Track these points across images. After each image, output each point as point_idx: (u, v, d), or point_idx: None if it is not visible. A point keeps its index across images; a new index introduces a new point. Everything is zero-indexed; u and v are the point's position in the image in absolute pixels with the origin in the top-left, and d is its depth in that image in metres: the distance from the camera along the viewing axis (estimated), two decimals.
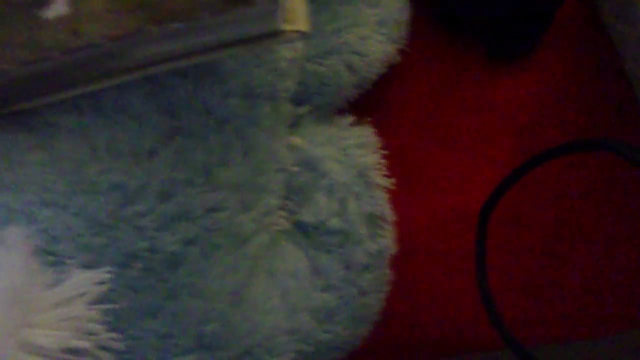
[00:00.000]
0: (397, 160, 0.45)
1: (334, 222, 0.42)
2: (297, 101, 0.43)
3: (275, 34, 0.33)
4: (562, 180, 0.50)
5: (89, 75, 0.34)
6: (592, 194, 0.50)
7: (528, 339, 0.49)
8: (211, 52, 0.34)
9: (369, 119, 0.45)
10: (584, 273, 0.49)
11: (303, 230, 0.43)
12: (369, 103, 0.48)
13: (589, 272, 0.49)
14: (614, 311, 0.50)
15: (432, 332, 0.49)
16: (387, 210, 0.44)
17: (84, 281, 0.34)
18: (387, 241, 0.43)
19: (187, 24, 0.32)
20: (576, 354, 0.51)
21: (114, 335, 0.34)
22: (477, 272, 0.44)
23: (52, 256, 0.35)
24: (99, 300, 0.34)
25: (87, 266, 0.35)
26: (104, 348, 0.35)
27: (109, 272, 0.34)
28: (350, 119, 0.45)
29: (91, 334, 0.34)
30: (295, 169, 0.42)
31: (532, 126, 0.51)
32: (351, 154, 0.43)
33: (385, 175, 0.44)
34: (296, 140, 0.42)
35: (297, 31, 0.33)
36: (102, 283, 0.34)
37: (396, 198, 0.45)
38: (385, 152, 0.44)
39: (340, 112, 0.46)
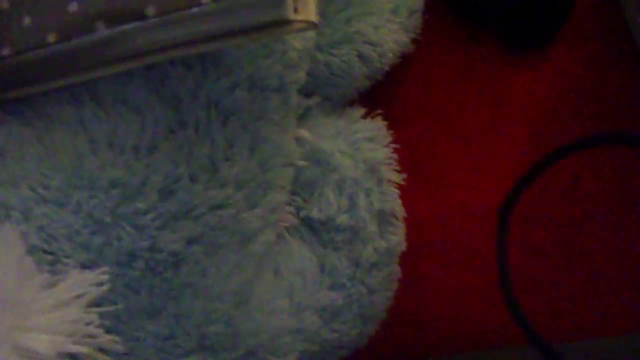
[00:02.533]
0: (406, 154, 0.44)
1: (343, 219, 0.40)
2: (306, 92, 0.41)
3: (283, 24, 0.31)
4: (586, 177, 0.48)
5: (88, 63, 0.33)
6: (617, 191, 0.48)
7: (553, 336, 0.48)
8: (215, 41, 0.32)
9: (380, 111, 0.43)
10: (608, 269, 0.48)
11: (310, 227, 0.41)
12: (379, 94, 0.46)
13: (614, 268, 0.48)
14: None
15: (439, 330, 0.48)
16: (397, 207, 0.42)
17: (82, 282, 0.33)
18: (397, 238, 0.42)
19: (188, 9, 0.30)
20: (600, 351, 0.49)
21: (113, 337, 0.33)
22: (500, 274, 0.42)
23: (49, 255, 0.33)
24: (98, 301, 0.32)
25: (86, 265, 0.34)
26: (102, 350, 0.33)
27: (108, 272, 0.33)
28: (361, 111, 0.44)
29: (89, 337, 0.32)
30: (303, 163, 0.40)
31: (548, 120, 0.49)
32: (361, 147, 0.41)
33: (396, 170, 0.42)
34: (304, 133, 0.40)
35: (307, 21, 0.31)
36: (100, 284, 0.33)
37: (405, 192, 0.43)
38: (397, 145, 0.42)
39: (350, 103, 0.45)
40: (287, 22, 0.31)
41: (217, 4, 0.30)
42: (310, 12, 0.32)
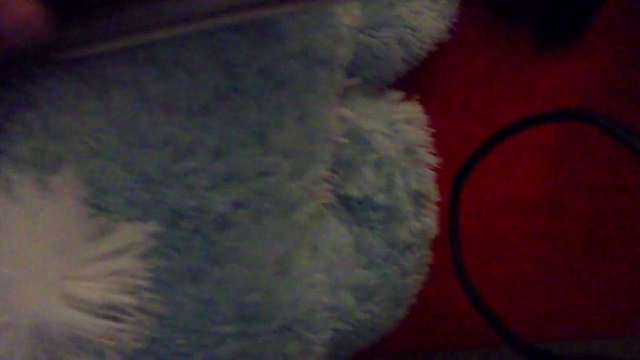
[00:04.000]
0: (438, 142, 0.44)
1: (380, 198, 0.41)
2: (347, 73, 0.42)
3: None
4: (603, 175, 0.49)
5: (147, 22, 0.33)
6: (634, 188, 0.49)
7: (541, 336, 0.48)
8: (274, 5, 0.33)
9: (417, 96, 0.44)
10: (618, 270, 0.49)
11: (347, 205, 0.42)
12: (414, 82, 0.47)
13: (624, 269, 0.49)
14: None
15: (464, 321, 0.48)
16: (432, 189, 0.43)
17: (132, 234, 0.33)
18: (430, 221, 0.42)
19: None
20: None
21: (155, 297, 0.33)
22: (451, 244, 0.42)
23: (98, 209, 0.33)
24: (143, 257, 0.32)
25: (133, 221, 0.34)
26: (145, 311, 0.33)
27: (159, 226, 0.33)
28: (399, 94, 0.44)
29: (135, 291, 0.32)
30: (344, 140, 0.41)
31: None
32: (400, 129, 0.42)
33: (432, 153, 0.43)
34: (347, 111, 0.41)
35: None
36: (150, 237, 0.33)
37: (437, 179, 0.44)
38: (433, 130, 0.43)
39: (388, 88, 0.45)
40: None
41: None
42: None
